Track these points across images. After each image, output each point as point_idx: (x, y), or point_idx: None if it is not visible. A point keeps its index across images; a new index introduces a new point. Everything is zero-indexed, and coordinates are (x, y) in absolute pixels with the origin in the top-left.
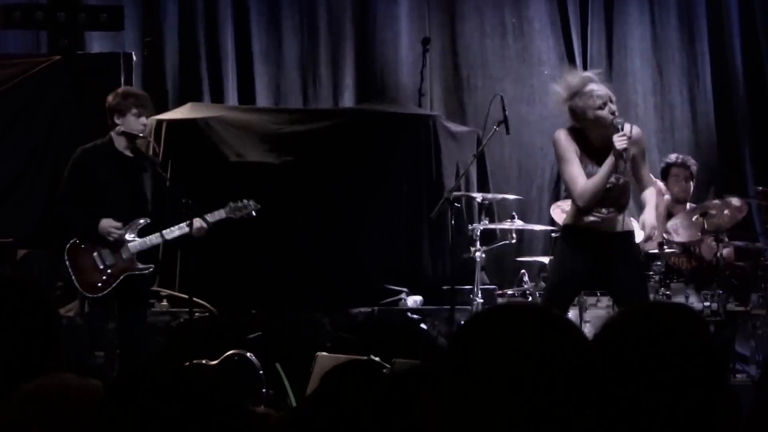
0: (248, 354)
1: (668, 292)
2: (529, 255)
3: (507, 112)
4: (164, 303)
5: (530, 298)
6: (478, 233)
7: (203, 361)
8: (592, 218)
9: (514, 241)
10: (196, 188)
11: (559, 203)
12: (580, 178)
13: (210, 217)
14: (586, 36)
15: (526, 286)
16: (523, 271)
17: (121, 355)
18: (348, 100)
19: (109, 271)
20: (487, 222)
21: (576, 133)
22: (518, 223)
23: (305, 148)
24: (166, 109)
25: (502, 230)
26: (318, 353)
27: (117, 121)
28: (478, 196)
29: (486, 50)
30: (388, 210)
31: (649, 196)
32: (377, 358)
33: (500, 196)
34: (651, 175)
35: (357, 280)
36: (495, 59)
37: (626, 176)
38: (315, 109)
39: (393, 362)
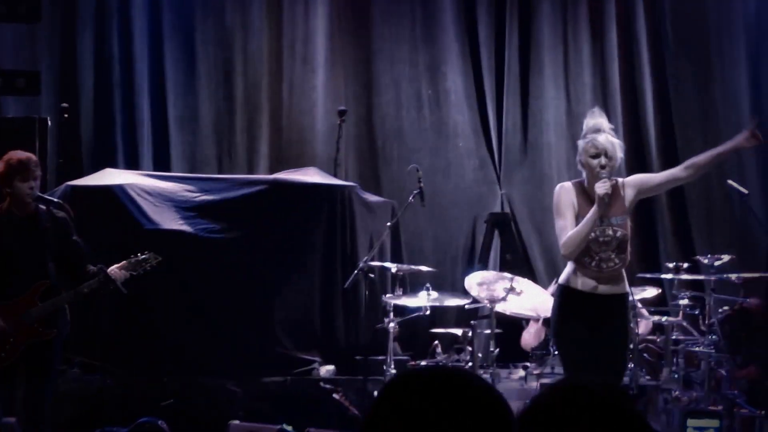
0: (159, 421)
1: None
2: (442, 326)
3: (422, 184)
4: (75, 370)
5: None
6: (392, 304)
7: (114, 429)
8: (589, 283)
9: (427, 312)
10: (111, 255)
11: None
12: (568, 229)
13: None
14: (501, 109)
15: (438, 358)
16: (436, 342)
17: (25, 423)
18: (263, 168)
19: (11, 340)
20: (400, 293)
21: (579, 188)
22: (431, 299)
23: (220, 216)
24: (81, 175)
25: (416, 302)
26: (230, 422)
27: (6, 189)
28: (393, 267)
29: (402, 121)
30: (302, 279)
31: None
32: (290, 428)
33: (414, 267)
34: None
35: (270, 349)
36: (411, 131)
37: (626, 230)
38: (231, 177)
39: (307, 431)
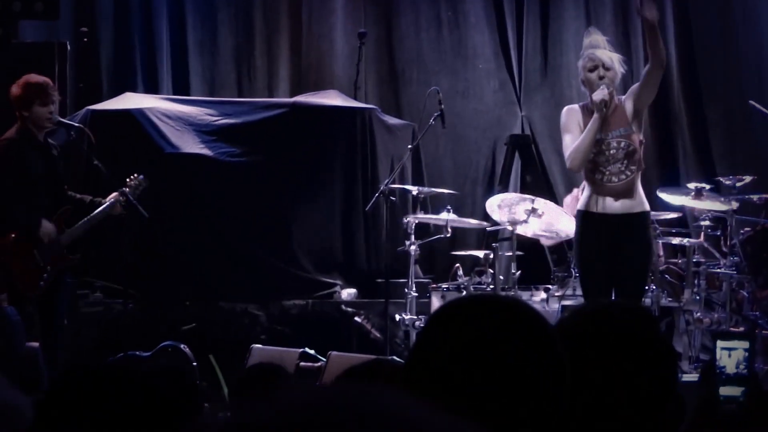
0: (182, 346)
1: None
2: (462, 249)
3: (443, 106)
4: (98, 294)
5: (464, 293)
6: (413, 227)
7: (137, 353)
8: (604, 202)
9: (448, 235)
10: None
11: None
12: (571, 144)
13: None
14: (521, 30)
15: (460, 281)
16: (457, 264)
17: (41, 345)
18: (283, 92)
19: (48, 268)
20: (422, 215)
21: (584, 109)
22: (452, 217)
23: (240, 139)
24: (100, 100)
25: (437, 224)
26: (252, 345)
27: (24, 113)
28: (414, 190)
29: (421, 43)
30: (323, 203)
31: None
32: (312, 351)
33: (435, 189)
34: None
35: (291, 273)
36: (430, 52)
37: (631, 140)
38: (250, 101)
39: (328, 355)
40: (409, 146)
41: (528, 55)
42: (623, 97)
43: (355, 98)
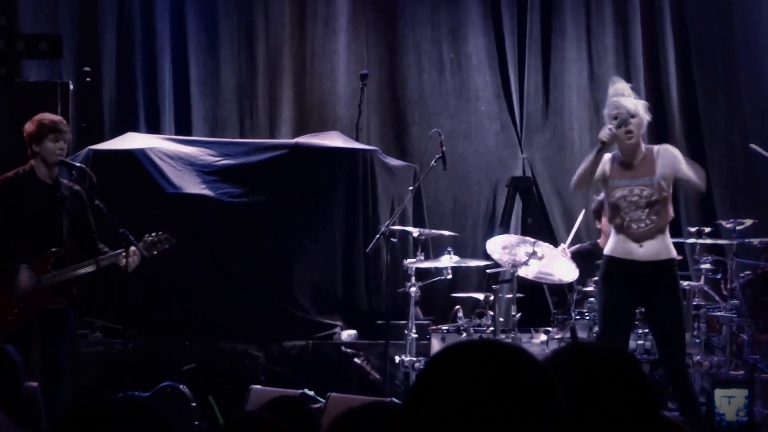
0: (181, 386)
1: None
2: (463, 291)
3: (444, 148)
4: (98, 334)
5: (464, 334)
6: (413, 268)
7: (136, 393)
8: (629, 249)
9: (449, 276)
10: (132, 220)
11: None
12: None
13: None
14: (523, 72)
15: (460, 322)
16: (457, 306)
17: (43, 388)
18: (285, 133)
19: (21, 304)
20: (422, 257)
21: (614, 158)
22: (453, 260)
23: (242, 180)
24: (102, 139)
25: (438, 266)
26: (252, 386)
27: (35, 148)
28: (414, 231)
29: (424, 85)
30: (324, 244)
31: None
32: (311, 392)
33: (436, 231)
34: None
35: (292, 314)
36: (432, 94)
37: (655, 191)
38: (252, 141)
39: (328, 396)
40: (410, 188)
41: (530, 97)
42: (659, 148)
43: (357, 139)
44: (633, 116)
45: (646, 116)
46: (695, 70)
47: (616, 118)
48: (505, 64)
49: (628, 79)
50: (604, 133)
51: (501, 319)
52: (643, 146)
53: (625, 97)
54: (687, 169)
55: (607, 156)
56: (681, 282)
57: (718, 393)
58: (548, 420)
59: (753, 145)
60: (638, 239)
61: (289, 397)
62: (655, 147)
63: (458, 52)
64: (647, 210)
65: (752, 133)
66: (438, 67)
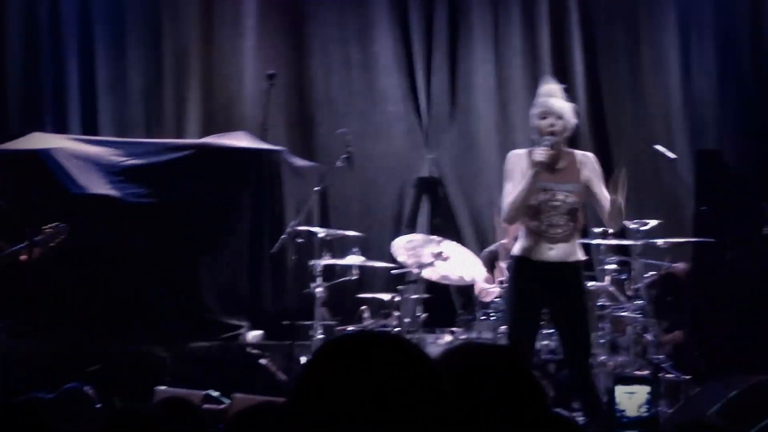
0: (85, 387)
1: None
2: (370, 291)
3: (351, 148)
4: (1, 335)
5: None
6: (319, 269)
7: (40, 394)
8: (540, 250)
9: (355, 277)
10: (38, 220)
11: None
12: (510, 195)
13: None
14: (430, 73)
15: (366, 323)
16: (363, 307)
17: None
18: (192, 133)
19: None
20: (328, 257)
21: (531, 155)
22: (359, 260)
23: (148, 180)
24: (8, 139)
25: (343, 266)
26: (156, 387)
27: None
28: (320, 232)
29: (331, 86)
30: (230, 245)
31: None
32: (216, 393)
33: (342, 232)
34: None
35: (198, 315)
36: (340, 95)
37: (577, 199)
38: (159, 142)
39: (232, 397)
40: (316, 188)
41: (437, 98)
42: (584, 156)
43: (264, 139)
44: (559, 118)
45: (572, 119)
46: (602, 73)
47: (543, 118)
48: (413, 65)
49: (534, 82)
50: (540, 156)
51: (407, 320)
52: (568, 150)
53: (554, 98)
54: (603, 190)
55: (519, 152)
56: (586, 282)
57: (620, 389)
58: (432, 404)
59: (657, 146)
60: (552, 243)
61: (179, 397)
62: (579, 153)
63: (365, 52)
64: (567, 216)
65: (658, 135)
66: (345, 67)
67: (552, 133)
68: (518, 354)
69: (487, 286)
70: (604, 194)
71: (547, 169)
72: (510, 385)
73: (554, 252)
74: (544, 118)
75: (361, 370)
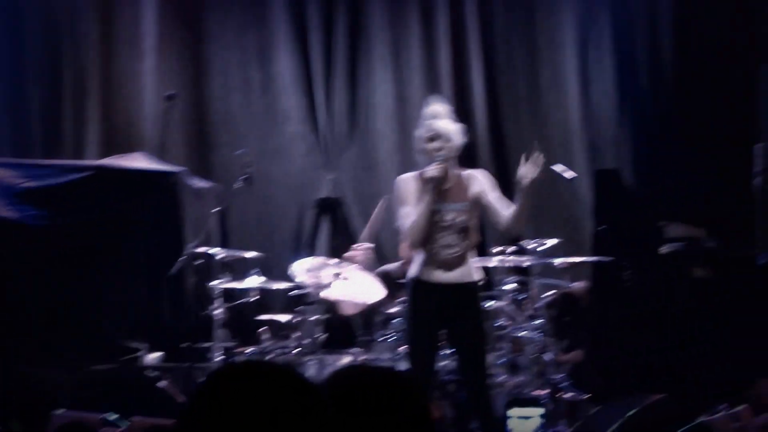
0: None
1: None
2: (270, 312)
3: (250, 168)
4: None
5: (269, 356)
6: (219, 290)
7: None
8: (437, 272)
9: (254, 298)
10: None
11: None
12: (409, 217)
13: None
14: (330, 93)
15: (265, 344)
16: (262, 328)
17: None
18: (91, 154)
19: None
20: (228, 279)
21: (420, 178)
22: (258, 281)
23: (47, 202)
24: None
25: (243, 288)
26: (54, 411)
27: None
28: (220, 253)
29: (231, 106)
30: (128, 266)
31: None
32: (115, 416)
33: (241, 253)
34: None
35: (96, 337)
36: (240, 115)
37: (467, 217)
38: (58, 163)
39: (131, 420)
40: (215, 209)
41: (337, 118)
42: (470, 173)
43: (163, 160)
44: (447, 140)
45: (459, 140)
46: (501, 92)
47: (430, 140)
48: (312, 85)
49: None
50: (433, 171)
51: (306, 341)
52: (456, 170)
53: (441, 119)
54: (496, 199)
55: (407, 176)
56: (485, 302)
57: (513, 413)
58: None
59: (556, 166)
60: (447, 264)
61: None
62: (467, 172)
63: (265, 73)
64: (458, 236)
65: (557, 154)
66: (245, 88)
67: (440, 151)
68: (405, 376)
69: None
70: (498, 203)
71: (438, 186)
72: (394, 407)
73: (450, 274)
74: (432, 140)
75: (246, 398)
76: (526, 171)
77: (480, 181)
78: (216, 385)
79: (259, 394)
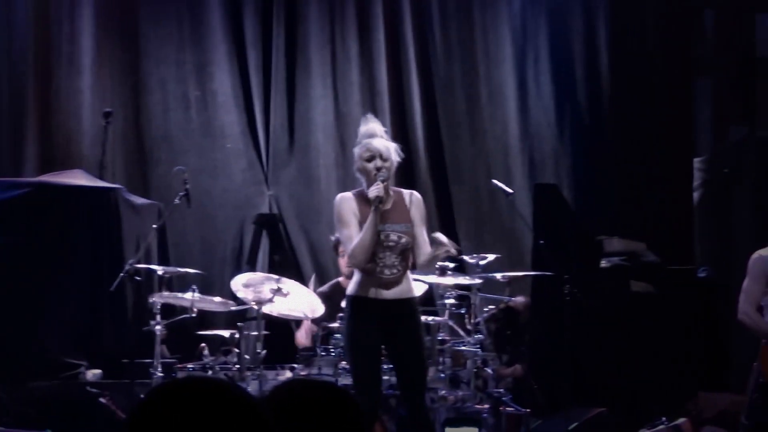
0: None
1: None
2: (211, 328)
3: (188, 185)
4: None
5: (210, 372)
6: (158, 306)
7: None
8: (376, 290)
9: (194, 314)
10: None
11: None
12: (353, 237)
13: None
14: (269, 109)
15: (206, 360)
16: (203, 344)
17: None
18: (29, 172)
19: None
20: (168, 295)
21: (359, 196)
22: (197, 297)
23: None
24: None
25: (183, 304)
26: None
27: None
28: (159, 270)
29: (170, 123)
30: (68, 283)
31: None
32: None
33: (181, 269)
34: (427, 241)
35: (36, 354)
36: (178, 132)
37: (409, 237)
38: None
39: None
40: (154, 225)
41: (276, 135)
42: (412, 196)
43: (101, 177)
44: (385, 159)
45: (397, 158)
46: (440, 109)
47: (368, 160)
48: (251, 102)
49: (375, 114)
50: (378, 189)
51: (247, 357)
52: (392, 190)
53: (378, 139)
54: (420, 234)
55: (347, 195)
56: (426, 317)
57: (449, 431)
58: None
59: (494, 181)
60: (388, 284)
61: None
62: (406, 192)
63: (204, 90)
64: (400, 257)
65: (495, 169)
66: (184, 105)
67: (380, 170)
68: (343, 391)
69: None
70: (423, 237)
71: (380, 205)
72: (335, 421)
73: (389, 291)
74: (370, 160)
75: (187, 415)
76: (442, 247)
77: (417, 209)
78: (157, 401)
79: (200, 410)
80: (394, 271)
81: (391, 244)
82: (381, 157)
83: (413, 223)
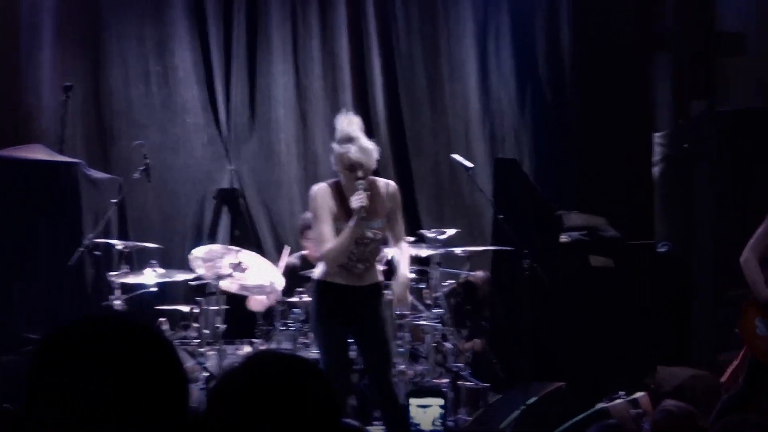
0: None
1: None
2: (170, 303)
3: (149, 160)
4: None
5: None
6: (118, 281)
7: None
8: (344, 276)
9: (154, 289)
10: None
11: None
12: (327, 235)
13: None
14: (229, 85)
15: (166, 335)
16: (162, 319)
17: None
18: None
19: None
20: (126, 270)
21: (335, 189)
22: (158, 272)
23: None
24: None
25: (140, 281)
26: None
27: None
28: (118, 244)
29: (130, 98)
30: (27, 258)
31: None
32: (8, 406)
33: (140, 244)
34: (403, 229)
35: None
36: (139, 107)
37: (383, 233)
38: None
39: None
40: (114, 200)
41: (236, 110)
42: (388, 187)
43: (62, 152)
44: (366, 170)
45: (375, 158)
46: (400, 83)
47: (352, 169)
48: (212, 77)
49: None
50: (360, 200)
51: (206, 331)
52: (371, 180)
53: (356, 145)
54: (394, 225)
55: (323, 188)
56: (385, 292)
57: (413, 402)
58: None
59: (454, 156)
60: (358, 275)
61: None
62: (382, 183)
63: (164, 64)
64: (373, 254)
65: (456, 144)
66: (144, 79)
67: (361, 178)
68: (312, 365)
69: (258, 298)
70: (399, 227)
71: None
72: (302, 394)
73: (357, 279)
74: (352, 170)
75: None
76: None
77: (393, 201)
78: (49, 347)
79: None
80: (367, 264)
81: (366, 241)
82: (363, 166)
83: (389, 215)
